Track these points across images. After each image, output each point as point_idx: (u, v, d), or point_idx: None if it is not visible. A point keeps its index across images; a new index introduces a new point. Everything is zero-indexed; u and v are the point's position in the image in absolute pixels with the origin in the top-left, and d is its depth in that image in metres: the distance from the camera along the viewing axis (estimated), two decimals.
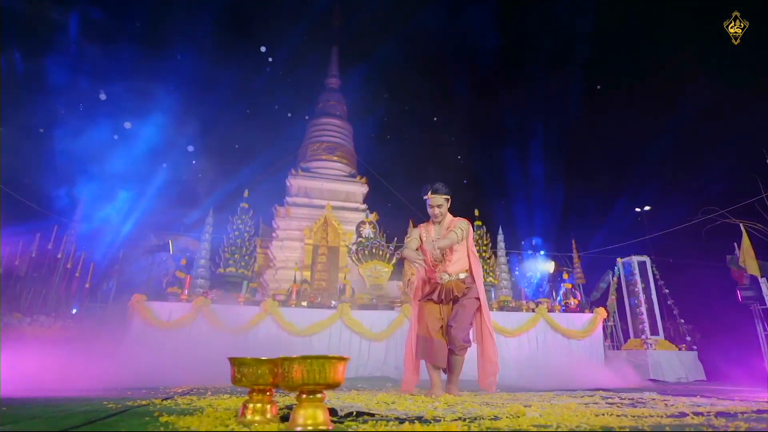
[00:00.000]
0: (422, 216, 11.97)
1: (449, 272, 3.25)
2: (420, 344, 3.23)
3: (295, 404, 1.37)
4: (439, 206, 3.31)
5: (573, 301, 7.30)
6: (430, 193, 3.29)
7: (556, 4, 17.28)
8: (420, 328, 3.28)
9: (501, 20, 18.92)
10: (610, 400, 2.60)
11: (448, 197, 3.36)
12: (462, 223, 3.33)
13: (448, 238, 3.19)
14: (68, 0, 12.00)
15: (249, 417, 1.48)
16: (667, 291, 8.29)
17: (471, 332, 3.32)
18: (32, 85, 10.63)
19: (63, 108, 11.09)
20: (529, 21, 18.34)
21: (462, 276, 3.28)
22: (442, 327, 3.24)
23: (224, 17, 16.17)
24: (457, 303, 3.25)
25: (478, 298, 3.27)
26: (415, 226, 9.11)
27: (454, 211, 3.53)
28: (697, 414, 1.81)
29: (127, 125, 11.62)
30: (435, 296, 3.26)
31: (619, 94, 15.80)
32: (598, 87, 16.40)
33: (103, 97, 11.55)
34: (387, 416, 1.65)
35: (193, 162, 12.69)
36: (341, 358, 1.35)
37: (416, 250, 3.37)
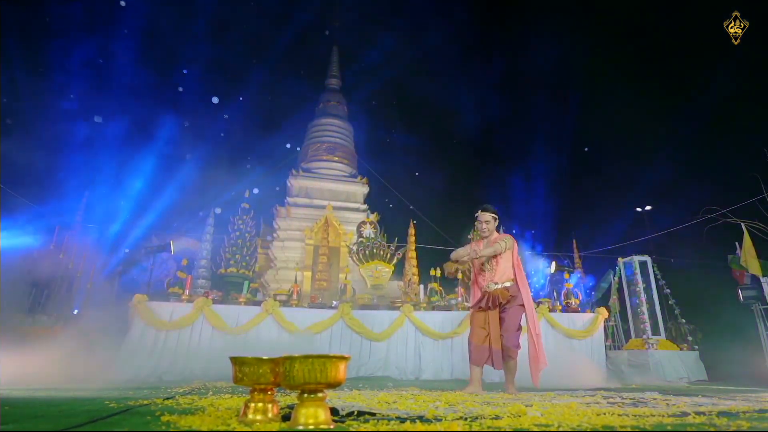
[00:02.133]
0: (422, 215, 11.92)
1: (495, 281, 3.66)
2: (469, 348, 3.69)
3: (297, 403, 1.37)
4: (486, 222, 3.76)
5: (574, 301, 7.28)
6: (480, 211, 3.79)
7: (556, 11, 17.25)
8: (470, 335, 3.72)
9: (502, 13, 18.91)
10: (611, 400, 2.60)
11: (496, 216, 3.81)
12: (506, 238, 3.74)
13: (491, 248, 3.62)
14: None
15: (250, 416, 1.48)
16: (668, 291, 8.27)
17: (520, 336, 3.66)
18: (33, 86, 10.65)
19: (65, 108, 11.11)
20: (532, 24, 18.33)
21: (507, 285, 3.65)
22: (487, 334, 3.64)
23: (224, 19, 16.19)
24: (503, 311, 3.64)
25: (522, 305, 3.64)
26: (415, 227, 9.09)
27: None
28: (699, 413, 1.81)
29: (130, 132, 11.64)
30: (483, 303, 3.68)
31: (621, 95, 15.79)
32: (600, 85, 16.37)
33: (105, 97, 11.57)
34: (388, 415, 1.65)
35: (195, 163, 12.71)
36: (342, 357, 1.35)
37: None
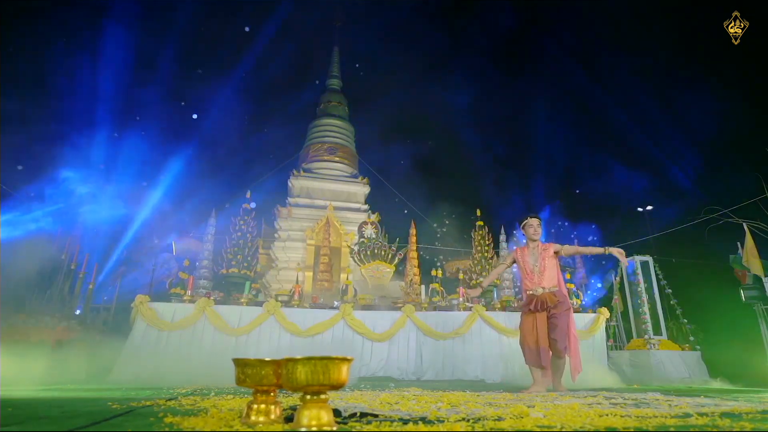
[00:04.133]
0: (423, 215, 11.92)
1: (543, 286, 3.99)
2: (523, 351, 3.99)
3: (299, 405, 1.36)
4: (536, 227, 4.17)
5: (575, 301, 7.27)
6: (529, 217, 4.21)
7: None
8: (521, 337, 4.03)
9: (503, 14, 18.88)
10: (613, 401, 2.59)
11: (541, 221, 4.24)
12: (557, 247, 4.17)
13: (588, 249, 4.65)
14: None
15: (253, 418, 1.49)
16: (669, 291, 8.25)
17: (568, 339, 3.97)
18: (33, 86, 10.67)
19: (65, 107, 11.13)
20: (536, 26, 18.29)
21: (554, 290, 4.00)
22: (536, 337, 3.90)
23: (225, 19, 16.20)
24: (550, 314, 3.93)
25: (569, 309, 3.97)
26: (416, 227, 9.10)
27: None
28: (701, 415, 1.80)
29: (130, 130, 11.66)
30: (531, 306, 3.98)
31: (622, 94, 15.77)
32: (602, 84, 16.36)
33: (106, 97, 11.60)
34: (391, 417, 1.65)
35: (197, 163, 12.72)
36: (345, 359, 1.35)
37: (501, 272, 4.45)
